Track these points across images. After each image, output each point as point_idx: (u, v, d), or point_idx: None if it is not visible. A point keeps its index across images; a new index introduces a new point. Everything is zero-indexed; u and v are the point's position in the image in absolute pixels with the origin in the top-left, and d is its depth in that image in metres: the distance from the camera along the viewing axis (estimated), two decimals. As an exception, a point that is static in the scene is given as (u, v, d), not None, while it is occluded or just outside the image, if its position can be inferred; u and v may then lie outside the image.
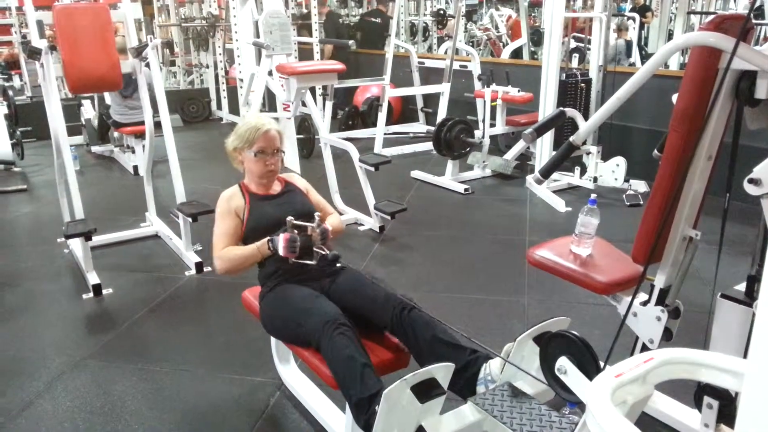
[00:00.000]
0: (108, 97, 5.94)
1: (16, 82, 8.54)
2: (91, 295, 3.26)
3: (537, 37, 7.45)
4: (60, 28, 3.44)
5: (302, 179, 2.45)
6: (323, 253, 2.02)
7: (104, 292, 3.29)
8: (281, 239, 1.97)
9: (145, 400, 2.38)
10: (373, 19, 8.23)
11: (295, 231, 2.00)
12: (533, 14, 8.90)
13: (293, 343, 2.03)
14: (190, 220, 3.54)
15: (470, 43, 8.18)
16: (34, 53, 3.42)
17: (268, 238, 2.04)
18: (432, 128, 5.77)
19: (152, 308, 3.13)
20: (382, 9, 8.18)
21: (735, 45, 1.42)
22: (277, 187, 2.31)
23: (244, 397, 2.38)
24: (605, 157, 4.73)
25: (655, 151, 2.20)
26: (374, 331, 2.01)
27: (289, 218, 2.00)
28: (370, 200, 4.16)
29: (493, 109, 5.63)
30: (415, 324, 1.90)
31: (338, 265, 2.07)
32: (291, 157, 4.35)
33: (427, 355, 1.87)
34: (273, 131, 2.22)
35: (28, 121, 6.60)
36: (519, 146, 5.49)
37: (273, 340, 2.39)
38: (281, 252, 1.97)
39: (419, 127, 7.32)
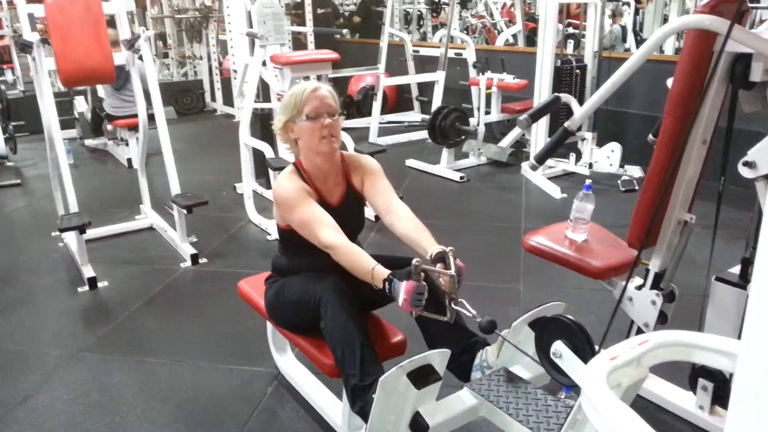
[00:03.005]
0: (101, 90, 5.91)
1: (9, 76, 8.47)
2: (86, 288, 3.26)
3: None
4: (51, 21, 3.40)
5: (363, 163, 2.03)
6: (477, 319, 1.58)
7: (100, 285, 3.29)
8: (404, 289, 1.59)
9: (142, 391, 2.38)
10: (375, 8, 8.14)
11: (422, 275, 1.61)
12: (527, 1, 8.84)
13: (292, 325, 2.00)
14: (184, 211, 3.54)
15: (465, 31, 8.14)
16: (25, 47, 3.40)
17: (389, 277, 1.66)
18: (427, 117, 5.75)
19: (148, 301, 3.13)
20: None
21: (730, 27, 1.42)
22: (337, 191, 2.00)
23: (241, 387, 2.39)
24: (600, 143, 4.72)
25: (650, 136, 2.20)
26: (372, 319, 2.01)
27: (417, 261, 1.61)
28: (366, 189, 4.14)
29: (488, 96, 5.60)
30: None
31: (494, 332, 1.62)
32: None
33: (432, 329, 1.86)
34: (324, 90, 1.91)
35: (21, 115, 6.55)
36: (514, 133, 5.48)
37: (270, 329, 2.39)
38: (400, 304, 1.61)
39: (414, 115, 7.30)
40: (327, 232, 1.80)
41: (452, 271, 1.63)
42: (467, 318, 1.69)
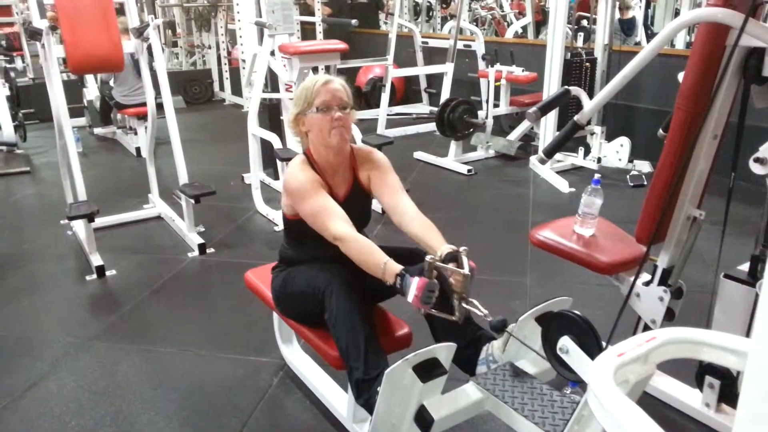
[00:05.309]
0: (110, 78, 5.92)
1: (18, 63, 8.49)
2: (94, 276, 3.27)
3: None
4: (61, 8, 3.40)
5: (372, 158, 2.01)
6: (488, 318, 1.60)
7: (107, 273, 3.30)
8: (416, 285, 1.58)
9: (149, 380, 2.39)
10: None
11: (434, 272, 1.61)
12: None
13: (298, 315, 2.01)
14: (192, 201, 3.54)
15: (474, 23, 8.10)
16: (35, 34, 3.40)
17: (401, 272, 1.64)
18: (435, 109, 5.73)
19: (155, 290, 3.14)
20: None
21: (744, 21, 1.40)
22: (344, 186, 1.98)
23: (247, 377, 2.40)
24: (609, 137, 4.70)
25: (660, 131, 2.18)
26: (378, 312, 2.02)
27: (430, 258, 1.61)
28: (373, 181, 4.14)
29: (497, 89, 5.58)
30: None
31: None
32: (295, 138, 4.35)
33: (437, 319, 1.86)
34: (336, 83, 1.90)
35: (31, 103, 6.58)
36: (523, 127, 5.46)
37: (276, 320, 2.40)
38: (410, 300, 1.59)
39: (422, 107, 7.27)
40: (338, 224, 1.78)
41: (466, 271, 1.60)
42: (476, 315, 1.68)
